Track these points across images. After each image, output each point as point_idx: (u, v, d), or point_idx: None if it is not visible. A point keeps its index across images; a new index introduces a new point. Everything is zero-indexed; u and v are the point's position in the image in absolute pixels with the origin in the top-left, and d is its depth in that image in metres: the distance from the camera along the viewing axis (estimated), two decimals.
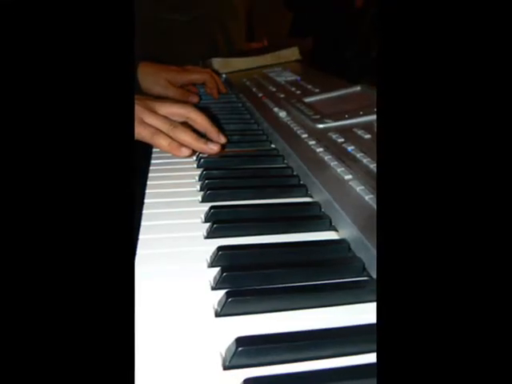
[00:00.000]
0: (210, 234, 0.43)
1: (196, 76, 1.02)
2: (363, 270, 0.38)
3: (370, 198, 0.43)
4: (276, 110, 0.77)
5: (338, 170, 0.50)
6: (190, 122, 0.68)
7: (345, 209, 0.43)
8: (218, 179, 0.56)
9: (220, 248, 0.39)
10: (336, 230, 0.44)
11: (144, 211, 0.48)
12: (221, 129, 0.69)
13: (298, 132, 0.65)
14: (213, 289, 0.36)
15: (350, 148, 0.56)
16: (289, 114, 0.74)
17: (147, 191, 0.53)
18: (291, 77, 1.02)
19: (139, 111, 0.64)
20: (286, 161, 0.62)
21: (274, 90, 0.92)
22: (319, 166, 0.53)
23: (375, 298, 0.33)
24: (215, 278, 0.36)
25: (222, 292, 0.34)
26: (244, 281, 0.36)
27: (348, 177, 0.48)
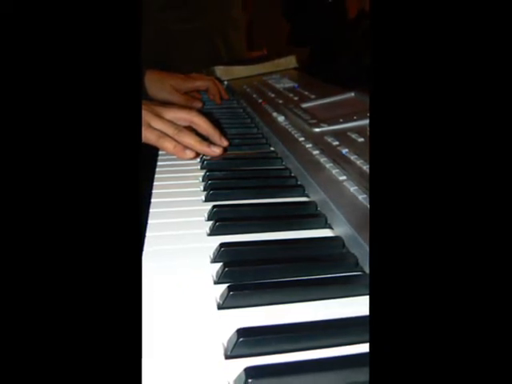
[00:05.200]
0: (213, 232, 0.43)
1: (200, 83, 1.02)
2: (357, 266, 0.38)
3: (363, 198, 0.43)
4: (275, 114, 0.77)
5: (333, 171, 0.50)
6: (194, 127, 0.68)
7: (339, 208, 0.43)
8: (220, 180, 0.56)
9: (222, 245, 0.39)
10: (331, 228, 0.44)
11: (151, 210, 0.48)
12: (223, 132, 0.69)
13: (296, 135, 0.65)
14: (215, 283, 0.36)
15: (345, 151, 0.56)
16: (287, 118, 0.74)
17: (154, 191, 0.53)
18: (289, 83, 1.01)
19: (146, 116, 0.63)
20: (284, 162, 0.62)
21: (272, 96, 0.92)
22: (315, 167, 0.53)
23: (368, 292, 0.34)
24: (218, 272, 0.36)
25: (224, 286, 0.34)
26: (245, 275, 0.36)
27: (342, 178, 0.48)
